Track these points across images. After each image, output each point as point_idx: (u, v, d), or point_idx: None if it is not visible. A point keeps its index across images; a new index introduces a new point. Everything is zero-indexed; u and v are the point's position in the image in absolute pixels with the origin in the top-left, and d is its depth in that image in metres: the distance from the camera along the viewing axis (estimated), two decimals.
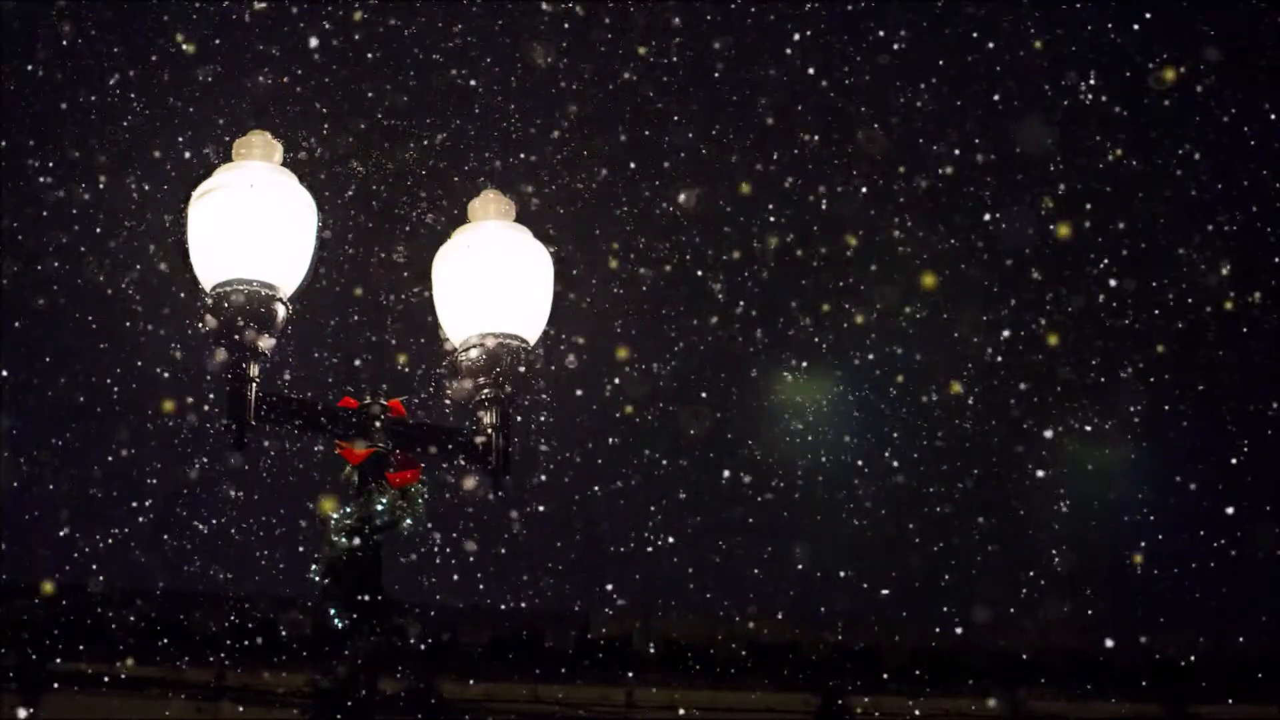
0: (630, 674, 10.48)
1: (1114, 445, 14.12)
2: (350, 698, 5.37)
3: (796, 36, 14.19)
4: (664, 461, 13.64)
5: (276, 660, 9.96)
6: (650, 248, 13.61)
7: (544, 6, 13.73)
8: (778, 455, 13.83)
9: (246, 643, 10.00)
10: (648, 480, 13.62)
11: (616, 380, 13.23)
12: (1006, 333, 14.28)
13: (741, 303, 14.25)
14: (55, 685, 9.82)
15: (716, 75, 14.29)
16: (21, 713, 9.64)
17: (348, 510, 5.61)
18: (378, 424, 5.66)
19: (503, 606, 10.65)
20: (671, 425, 13.55)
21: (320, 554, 5.57)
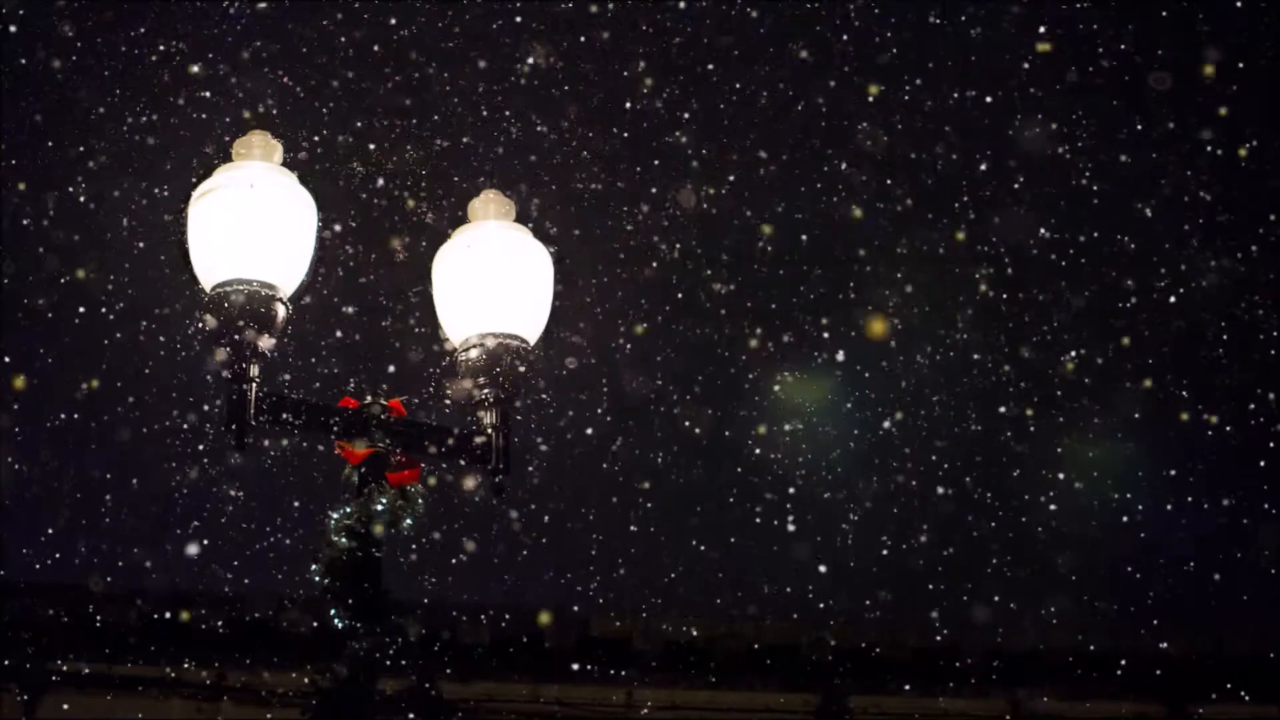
0: (630, 674, 10.48)
1: (1114, 445, 14.12)
2: (350, 698, 5.36)
3: (797, 37, 14.19)
4: (664, 461, 13.64)
5: (276, 660, 9.96)
6: (650, 248, 13.61)
7: (544, 6, 13.73)
8: (778, 455, 13.83)
9: (246, 643, 10.00)
10: (648, 480, 13.62)
11: (616, 380, 13.23)
12: (1006, 333, 14.27)
13: (741, 303, 14.24)
14: (55, 685, 9.82)
15: (716, 75, 14.29)
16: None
17: (348, 510, 5.61)
18: (378, 424, 5.65)
19: (503, 606, 10.65)
20: (671, 425, 13.55)
21: (320, 554, 5.57)
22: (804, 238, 14.32)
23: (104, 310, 12.45)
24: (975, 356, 14.15)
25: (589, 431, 13.12)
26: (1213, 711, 10.84)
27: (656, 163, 13.81)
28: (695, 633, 10.61)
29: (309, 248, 5.72)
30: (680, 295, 13.92)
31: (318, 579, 5.56)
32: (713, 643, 10.60)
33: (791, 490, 13.79)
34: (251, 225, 5.60)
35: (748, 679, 10.59)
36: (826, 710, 10.59)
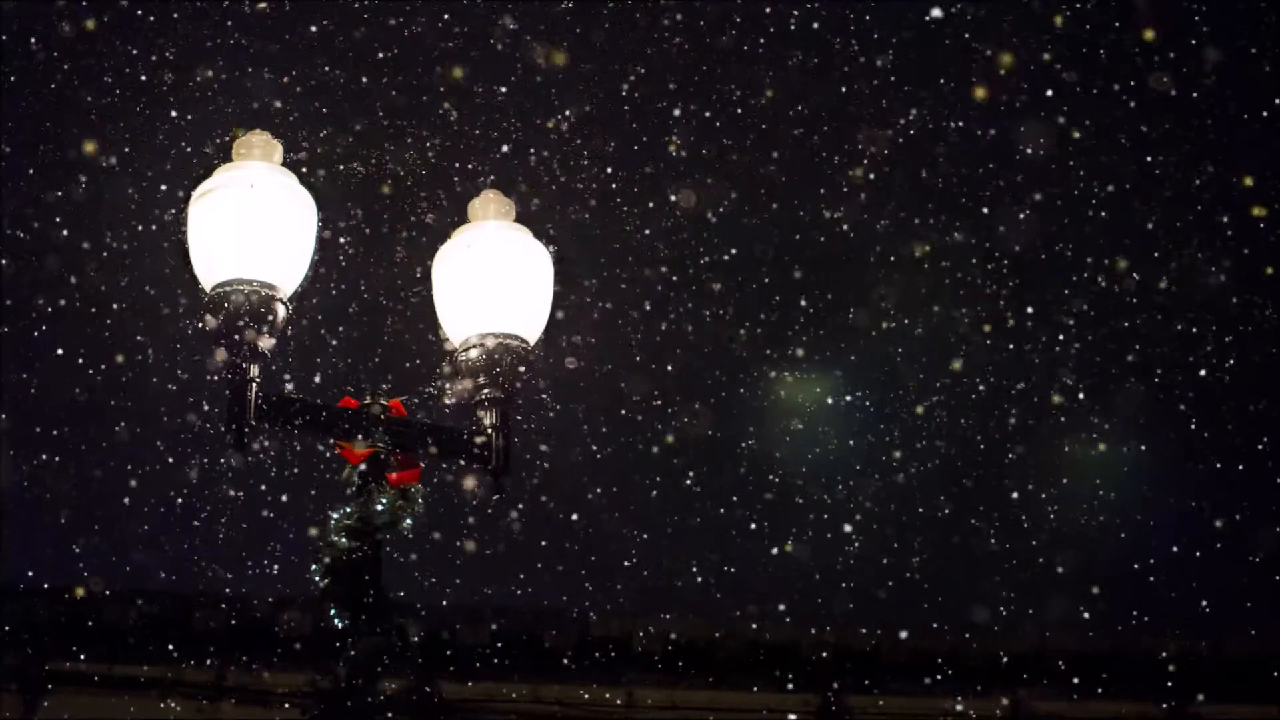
0: (630, 674, 10.48)
1: (1114, 445, 14.12)
2: (350, 698, 5.36)
3: (796, 37, 14.19)
4: (664, 461, 13.65)
5: (276, 660, 9.96)
6: (650, 248, 13.61)
7: (543, 7, 13.73)
8: (778, 455, 13.83)
9: (246, 643, 10.00)
10: (648, 480, 13.62)
11: (616, 380, 13.23)
12: (1006, 333, 14.28)
13: (741, 303, 14.25)
14: (55, 685, 9.82)
15: (717, 75, 14.29)
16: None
17: (348, 510, 5.61)
18: (378, 424, 5.65)
19: (503, 606, 10.65)
20: (671, 425, 13.55)
21: (320, 554, 5.57)
22: (804, 238, 14.32)
23: (104, 310, 12.46)
24: (975, 357, 14.15)
25: (588, 431, 13.12)
26: (1213, 711, 10.83)
27: (656, 163, 13.81)
28: (695, 633, 10.61)
29: (309, 248, 5.72)
30: (681, 296, 13.92)
31: (318, 579, 5.57)
32: (713, 643, 10.59)
33: (791, 490, 13.79)
34: (251, 225, 5.60)
35: (748, 679, 10.58)
36: (826, 710, 10.59)
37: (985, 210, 14.30)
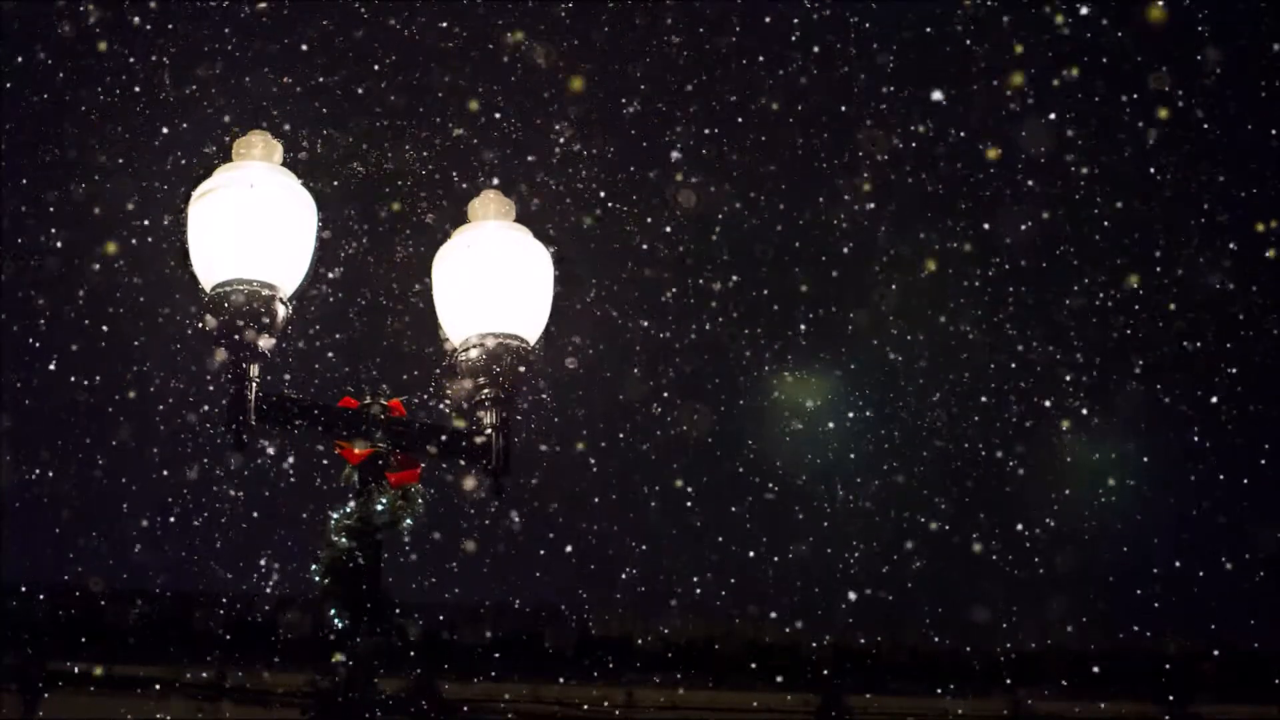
0: (630, 674, 10.48)
1: (1114, 445, 14.12)
2: (350, 698, 5.36)
3: (796, 37, 14.19)
4: (664, 461, 13.65)
5: (276, 660, 9.97)
6: (650, 248, 13.61)
7: (543, 7, 13.74)
8: (778, 455, 13.84)
9: (246, 643, 10.00)
10: (648, 480, 13.62)
11: (617, 380, 13.24)
12: (1006, 333, 14.28)
13: (741, 303, 14.25)
14: (55, 685, 9.82)
15: (717, 75, 14.29)
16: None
17: (348, 510, 5.60)
18: (378, 424, 5.65)
19: (503, 606, 10.65)
20: (671, 425, 13.55)
21: (320, 554, 5.57)
22: (805, 240, 14.32)
23: (104, 310, 12.46)
24: (976, 357, 14.16)
25: (588, 432, 13.12)
26: (1213, 711, 10.83)
27: (657, 164, 13.81)
28: (695, 633, 10.61)
29: (309, 248, 5.72)
30: (680, 295, 13.93)
31: (318, 579, 5.56)
32: (713, 643, 10.60)
33: (792, 491, 13.79)
34: (251, 225, 5.59)
35: (748, 679, 10.59)
36: (826, 710, 10.59)
37: (986, 213, 14.30)
